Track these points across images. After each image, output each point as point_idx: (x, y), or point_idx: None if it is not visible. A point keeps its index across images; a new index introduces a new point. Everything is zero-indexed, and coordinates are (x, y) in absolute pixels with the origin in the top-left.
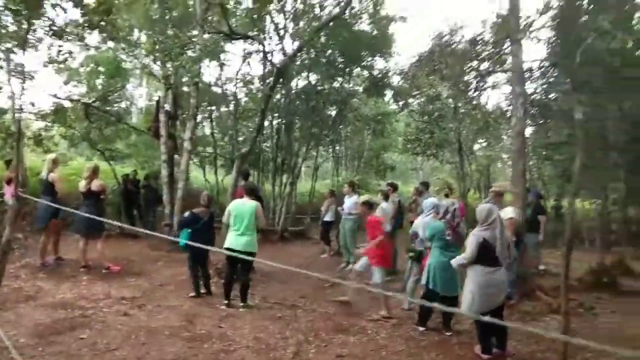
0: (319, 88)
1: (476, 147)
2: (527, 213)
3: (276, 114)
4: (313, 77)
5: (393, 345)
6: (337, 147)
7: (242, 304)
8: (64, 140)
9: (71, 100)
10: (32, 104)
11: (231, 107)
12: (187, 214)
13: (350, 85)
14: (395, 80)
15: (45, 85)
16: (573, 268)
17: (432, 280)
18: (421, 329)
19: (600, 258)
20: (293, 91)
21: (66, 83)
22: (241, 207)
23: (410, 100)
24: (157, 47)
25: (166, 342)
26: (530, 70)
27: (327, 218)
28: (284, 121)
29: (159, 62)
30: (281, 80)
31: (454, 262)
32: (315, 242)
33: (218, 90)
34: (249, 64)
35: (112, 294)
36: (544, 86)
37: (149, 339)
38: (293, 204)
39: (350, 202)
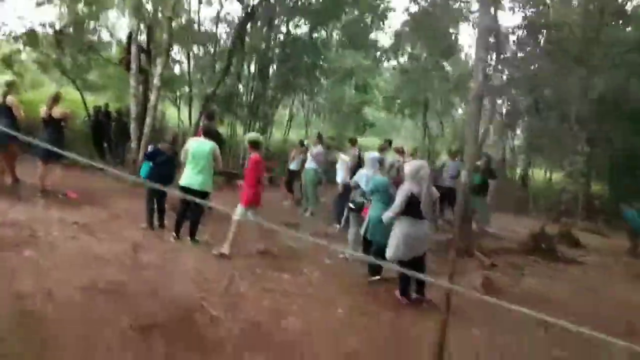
0: (294, 34)
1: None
2: (476, 177)
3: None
4: (292, 24)
5: (323, 285)
6: (315, 99)
7: (190, 239)
8: (36, 65)
9: (42, 25)
10: (4, 24)
11: (209, 46)
12: (150, 147)
13: (329, 35)
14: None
15: (18, 7)
16: (519, 233)
17: (371, 232)
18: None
19: (544, 226)
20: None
21: (39, 5)
22: (199, 147)
23: (393, 58)
24: None
25: (106, 267)
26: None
27: (292, 167)
28: (259, 67)
29: None
30: (259, 24)
31: (384, 216)
32: (281, 190)
33: (197, 27)
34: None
35: (65, 219)
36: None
37: (91, 263)
38: (263, 151)
39: (314, 152)
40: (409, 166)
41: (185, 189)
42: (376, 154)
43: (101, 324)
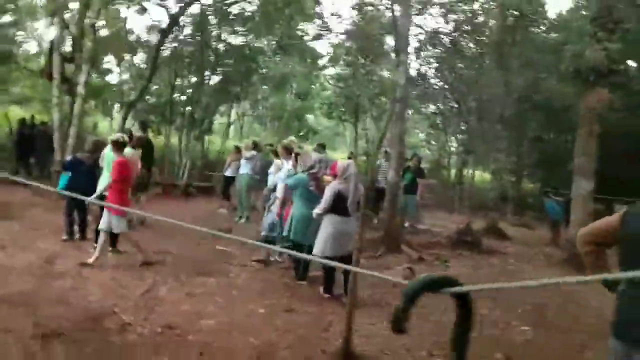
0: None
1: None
2: (407, 176)
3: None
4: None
5: (248, 286)
6: (255, 107)
7: (110, 249)
8: None
9: None
10: None
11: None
12: (69, 157)
13: (261, 43)
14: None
15: None
16: (450, 228)
17: (294, 231)
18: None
19: (470, 221)
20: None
21: None
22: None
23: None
24: None
25: (17, 279)
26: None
27: (228, 173)
28: (194, 75)
29: None
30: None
31: (314, 212)
32: (220, 198)
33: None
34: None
35: None
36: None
37: None
38: (200, 160)
39: (248, 157)
40: (338, 166)
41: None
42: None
43: (2, 333)
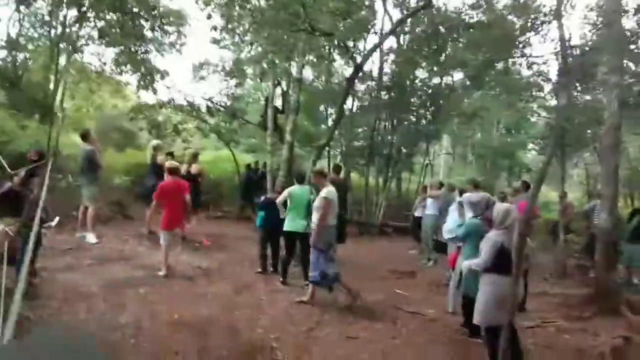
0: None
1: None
2: (636, 220)
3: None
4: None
5: (413, 336)
6: (455, 144)
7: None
8: (198, 132)
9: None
10: (172, 100)
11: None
12: (262, 198)
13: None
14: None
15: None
16: None
17: (465, 284)
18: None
19: None
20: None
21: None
22: (298, 193)
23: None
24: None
25: (205, 305)
26: None
27: (417, 213)
28: (385, 117)
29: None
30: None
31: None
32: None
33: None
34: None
35: (191, 263)
36: None
37: (192, 301)
38: (395, 199)
39: (433, 196)
40: (495, 211)
41: (289, 233)
42: (472, 194)
43: (170, 355)
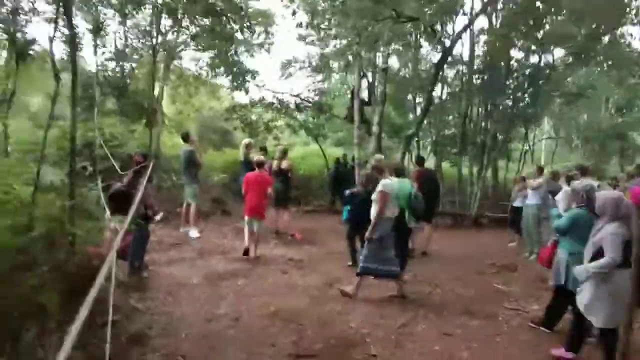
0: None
1: None
2: None
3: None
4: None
5: (515, 334)
6: (557, 127)
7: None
8: (287, 128)
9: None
10: (262, 98)
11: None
12: (347, 192)
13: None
14: None
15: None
16: None
17: (565, 276)
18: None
19: None
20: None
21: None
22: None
23: None
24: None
25: (298, 296)
26: None
27: (516, 204)
28: (478, 102)
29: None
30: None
31: (593, 267)
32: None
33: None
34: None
35: (284, 256)
36: None
37: (286, 293)
38: (491, 189)
39: (534, 186)
40: (603, 201)
41: None
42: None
43: (265, 347)
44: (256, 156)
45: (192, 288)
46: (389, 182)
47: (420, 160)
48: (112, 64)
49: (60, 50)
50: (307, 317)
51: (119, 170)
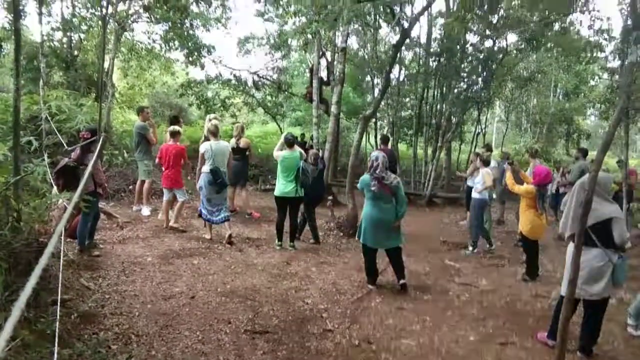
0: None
1: None
2: None
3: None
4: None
5: (465, 308)
6: (508, 111)
7: (290, 244)
8: (245, 106)
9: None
10: (219, 75)
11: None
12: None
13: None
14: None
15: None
16: None
17: (363, 234)
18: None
19: None
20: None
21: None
22: (288, 158)
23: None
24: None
25: (255, 275)
26: None
27: (470, 183)
28: (434, 84)
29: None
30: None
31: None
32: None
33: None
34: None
35: (240, 235)
36: None
37: (243, 271)
38: (445, 170)
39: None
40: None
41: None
42: None
43: (221, 324)
44: (172, 127)
45: (147, 267)
46: (206, 144)
47: (384, 139)
48: (58, 35)
49: (1, 18)
50: (263, 295)
51: (66, 145)
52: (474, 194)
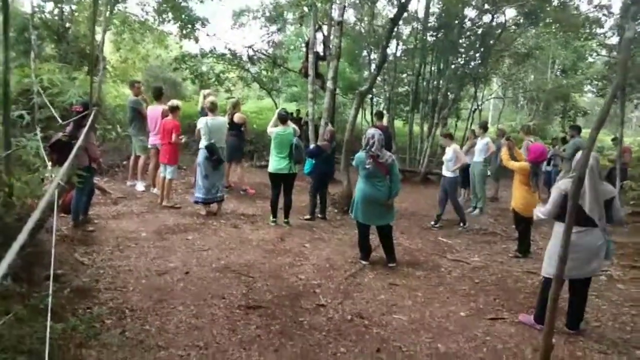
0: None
1: None
2: None
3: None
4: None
5: (456, 284)
6: (505, 87)
7: (284, 220)
8: (240, 81)
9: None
10: (213, 49)
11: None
12: (312, 146)
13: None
14: None
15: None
16: None
17: (355, 210)
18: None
19: None
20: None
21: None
22: (282, 134)
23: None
24: None
25: (249, 250)
26: None
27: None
28: (431, 60)
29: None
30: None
31: (535, 212)
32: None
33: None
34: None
35: (236, 211)
36: None
37: (237, 247)
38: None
39: (481, 144)
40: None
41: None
42: None
43: (215, 299)
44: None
45: (141, 242)
46: (202, 120)
47: (379, 115)
48: (49, 6)
49: None
50: (257, 270)
51: (59, 120)
52: (447, 173)
